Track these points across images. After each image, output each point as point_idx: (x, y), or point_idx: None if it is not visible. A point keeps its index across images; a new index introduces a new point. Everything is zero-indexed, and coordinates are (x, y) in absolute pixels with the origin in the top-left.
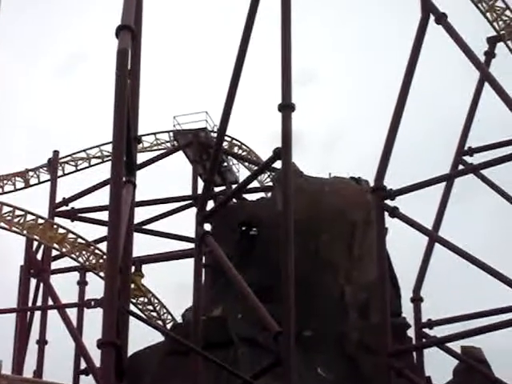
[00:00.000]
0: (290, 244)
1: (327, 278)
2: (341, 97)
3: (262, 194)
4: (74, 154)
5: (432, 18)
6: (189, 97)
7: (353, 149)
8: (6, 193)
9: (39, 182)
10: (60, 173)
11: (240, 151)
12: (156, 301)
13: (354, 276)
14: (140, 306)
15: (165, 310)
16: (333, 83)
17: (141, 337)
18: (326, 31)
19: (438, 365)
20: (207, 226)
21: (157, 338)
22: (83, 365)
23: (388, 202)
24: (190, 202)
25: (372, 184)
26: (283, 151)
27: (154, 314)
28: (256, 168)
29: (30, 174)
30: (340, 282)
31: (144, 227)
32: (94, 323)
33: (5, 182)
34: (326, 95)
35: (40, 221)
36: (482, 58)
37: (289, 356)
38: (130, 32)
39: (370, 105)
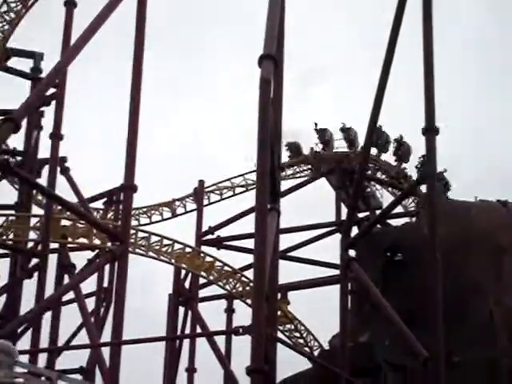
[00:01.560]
0: (437, 268)
1: (475, 302)
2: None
3: (406, 220)
4: (218, 183)
5: None
6: (332, 123)
7: None
8: (153, 223)
9: (186, 212)
10: (206, 202)
11: (383, 176)
12: (302, 327)
13: (504, 300)
14: (287, 333)
15: (311, 337)
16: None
17: (287, 364)
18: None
19: None
20: (352, 252)
21: (303, 364)
22: None
23: None
24: (334, 228)
25: None
26: (428, 175)
27: (301, 340)
28: (400, 193)
29: (177, 203)
30: (489, 305)
31: (289, 254)
32: (242, 350)
33: (152, 212)
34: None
35: (187, 249)
36: None
37: (439, 382)
38: (272, 61)
39: None
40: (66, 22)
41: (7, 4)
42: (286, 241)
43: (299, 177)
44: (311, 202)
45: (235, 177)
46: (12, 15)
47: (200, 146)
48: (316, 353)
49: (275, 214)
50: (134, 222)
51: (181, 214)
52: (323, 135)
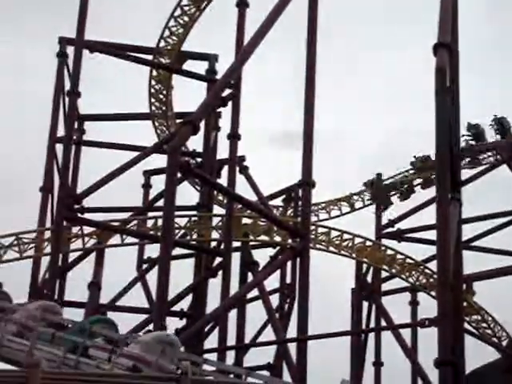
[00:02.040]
0: None
1: None
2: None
3: None
4: (395, 175)
5: None
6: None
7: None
8: (332, 218)
9: (364, 206)
10: None
11: None
12: (489, 318)
13: None
14: (473, 324)
15: (499, 327)
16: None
17: (475, 355)
18: None
19: None
20: None
21: (491, 355)
22: None
23: None
24: None
25: None
26: None
27: (489, 331)
28: None
29: (355, 197)
30: None
31: (472, 244)
32: (428, 343)
33: (331, 207)
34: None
35: (368, 243)
36: None
37: None
38: (447, 50)
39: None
40: (239, 23)
41: (181, 8)
42: (468, 230)
43: (479, 165)
44: (493, 190)
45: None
46: (186, 19)
47: (381, 140)
48: (504, 343)
49: (457, 204)
50: (313, 218)
51: (359, 208)
52: (502, 124)
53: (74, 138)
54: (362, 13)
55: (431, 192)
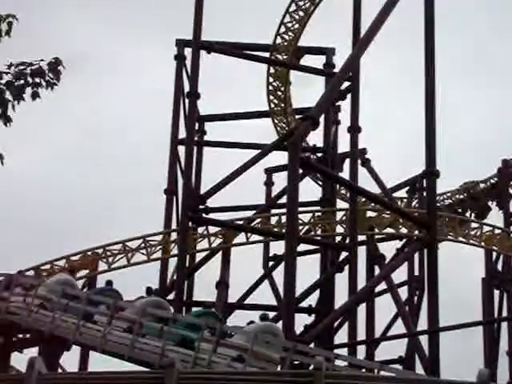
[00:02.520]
0: None
1: None
2: None
3: None
4: None
5: None
6: None
7: None
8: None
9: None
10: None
11: None
12: None
13: None
14: None
15: None
16: None
17: None
18: None
19: None
20: None
21: None
22: None
23: None
24: None
25: None
26: None
27: None
28: None
29: (482, 186)
30: None
31: None
32: None
33: (456, 196)
34: None
35: (496, 231)
36: None
37: None
38: None
39: None
40: (355, 15)
41: (296, 3)
42: None
43: None
44: None
45: None
46: (301, 14)
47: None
48: None
49: None
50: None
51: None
52: None
53: (196, 139)
54: None
55: None
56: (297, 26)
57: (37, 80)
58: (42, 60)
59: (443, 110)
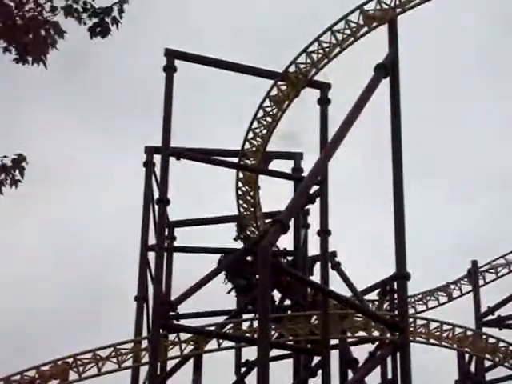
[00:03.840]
0: None
1: None
2: None
3: None
4: (492, 261)
5: None
6: None
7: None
8: (430, 309)
9: (462, 294)
10: (481, 282)
11: None
12: None
13: None
14: None
15: None
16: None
17: None
18: None
19: None
20: None
21: None
22: None
23: None
24: None
25: None
26: None
27: None
28: None
29: (452, 287)
30: None
31: None
32: None
33: (428, 298)
34: None
35: (468, 332)
36: None
37: None
38: None
39: None
40: (322, 119)
41: (263, 109)
42: None
43: None
44: None
45: (510, 252)
46: (269, 119)
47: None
48: None
49: None
50: (410, 310)
51: (457, 298)
52: None
53: (166, 245)
54: None
55: None
56: (265, 131)
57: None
58: (5, 156)
59: (413, 212)
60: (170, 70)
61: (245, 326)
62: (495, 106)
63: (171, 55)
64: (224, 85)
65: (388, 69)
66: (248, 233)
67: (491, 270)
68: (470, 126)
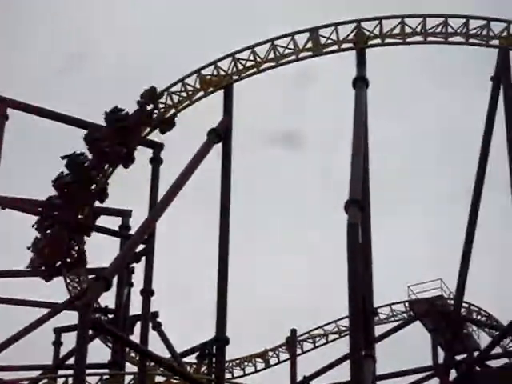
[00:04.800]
0: None
1: None
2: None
3: (505, 360)
4: (311, 331)
5: None
6: (422, 265)
7: None
8: (247, 375)
9: (279, 362)
10: (299, 351)
11: (479, 317)
12: None
13: None
14: None
15: None
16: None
17: None
18: None
19: None
20: None
21: None
22: None
23: None
24: (432, 372)
25: None
26: None
27: None
28: (497, 333)
29: (270, 354)
30: None
31: None
32: None
33: (246, 363)
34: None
35: None
36: None
37: None
38: (358, 206)
39: None
40: (152, 180)
41: None
42: None
43: (393, 321)
44: (406, 346)
45: (328, 324)
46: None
47: (292, 295)
48: None
49: (370, 361)
50: (227, 375)
51: (274, 365)
52: None
53: None
54: None
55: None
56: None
57: None
58: None
59: (237, 275)
60: None
61: (60, 382)
62: None
63: None
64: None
65: (221, 134)
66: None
67: (309, 340)
68: None
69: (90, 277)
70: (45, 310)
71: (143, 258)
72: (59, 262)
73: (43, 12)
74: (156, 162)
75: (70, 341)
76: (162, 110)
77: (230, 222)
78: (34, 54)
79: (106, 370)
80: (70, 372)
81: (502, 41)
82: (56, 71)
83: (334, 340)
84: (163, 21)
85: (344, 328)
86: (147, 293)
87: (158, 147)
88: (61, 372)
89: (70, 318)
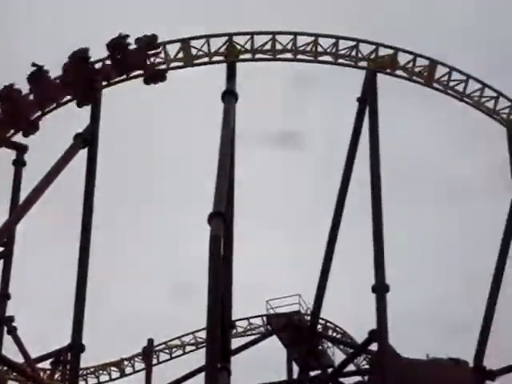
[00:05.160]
0: None
1: None
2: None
3: (358, 378)
4: (168, 341)
5: None
6: (281, 280)
7: None
8: (102, 383)
9: (134, 371)
10: (155, 361)
11: (334, 334)
12: None
13: None
14: None
15: None
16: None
17: None
18: None
19: None
20: None
21: None
22: None
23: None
24: None
25: (471, 365)
26: (378, 333)
27: None
28: (351, 351)
29: (126, 363)
30: None
31: None
32: None
33: (100, 372)
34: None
35: None
36: None
37: None
38: (222, 218)
39: None
40: (15, 182)
41: None
42: None
43: (250, 334)
44: (262, 360)
45: (185, 335)
46: None
47: (150, 304)
48: None
49: (226, 374)
50: (81, 383)
51: (129, 374)
52: None
53: None
54: None
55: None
56: None
57: None
58: None
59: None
60: None
61: None
62: None
63: None
64: None
65: (87, 139)
66: None
67: (166, 350)
68: None
69: None
70: None
71: (1, 261)
72: None
73: None
74: (19, 163)
75: None
76: None
77: (92, 224)
78: None
79: None
80: None
81: (370, 63)
82: None
83: (191, 351)
84: None
85: (201, 340)
86: (3, 296)
87: (21, 149)
88: None
89: None
